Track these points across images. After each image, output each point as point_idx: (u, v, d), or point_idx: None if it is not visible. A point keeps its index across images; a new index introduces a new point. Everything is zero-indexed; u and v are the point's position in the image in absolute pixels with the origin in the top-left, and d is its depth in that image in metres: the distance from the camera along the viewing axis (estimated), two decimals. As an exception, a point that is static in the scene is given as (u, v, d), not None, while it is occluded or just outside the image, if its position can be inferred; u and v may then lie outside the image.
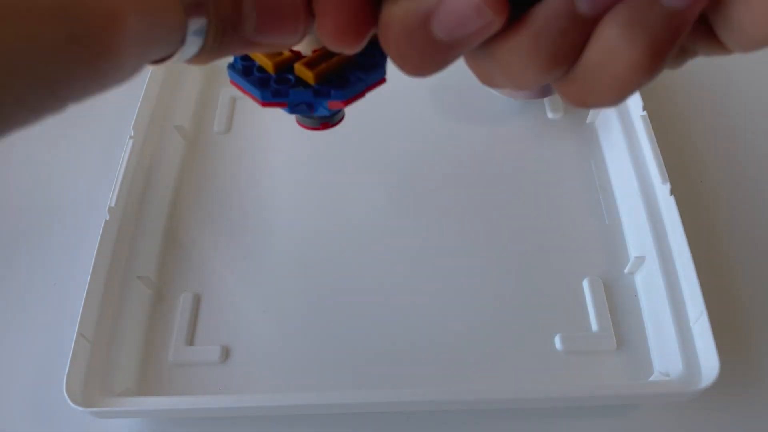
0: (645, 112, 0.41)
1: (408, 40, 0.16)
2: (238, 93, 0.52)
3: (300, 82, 0.23)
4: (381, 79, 0.25)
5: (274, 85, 0.24)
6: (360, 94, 0.25)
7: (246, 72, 0.24)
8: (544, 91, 0.44)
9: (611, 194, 0.42)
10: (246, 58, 0.24)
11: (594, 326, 0.37)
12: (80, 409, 0.32)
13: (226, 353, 0.37)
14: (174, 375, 0.36)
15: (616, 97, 0.16)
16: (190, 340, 0.38)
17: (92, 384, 0.34)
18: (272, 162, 0.46)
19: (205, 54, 0.17)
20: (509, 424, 0.34)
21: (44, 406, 0.36)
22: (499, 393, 0.33)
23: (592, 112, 0.46)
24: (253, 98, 0.24)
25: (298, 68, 0.23)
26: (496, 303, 0.38)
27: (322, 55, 0.22)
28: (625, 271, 0.39)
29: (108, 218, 0.38)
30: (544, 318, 0.37)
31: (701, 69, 0.50)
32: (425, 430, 0.34)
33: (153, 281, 0.39)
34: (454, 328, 0.37)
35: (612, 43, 0.15)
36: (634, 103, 0.42)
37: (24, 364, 0.38)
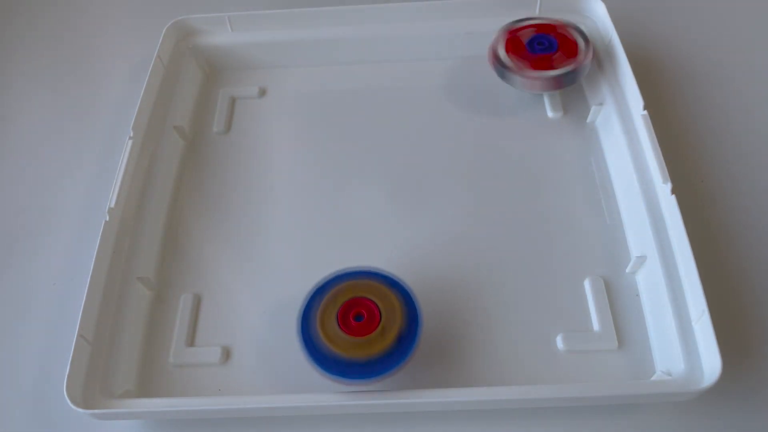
0: (645, 112, 0.41)
1: None
2: (238, 93, 0.53)
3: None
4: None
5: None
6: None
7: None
8: (557, 83, 0.44)
9: (612, 194, 0.42)
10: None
11: (595, 326, 0.37)
12: (80, 410, 0.32)
13: (226, 354, 0.37)
14: (174, 376, 0.36)
15: None
16: (191, 341, 0.38)
17: (92, 385, 0.34)
18: (272, 162, 0.46)
19: None
20: (510, 424, 0.34)
21: (44, 408, 0.36)
22: (499, 393, 0.33)
23: (592, 112, 0.45)
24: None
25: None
26: (496, 302, 0.38)
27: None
28: (627, 270, 0.39)
29: (108, 219, 0.38)
30: (545, 317, 0.37)
31: (701, 69, 0.50)
32: (425, 430, 0.34)
33: (153, 282, 0.39)
34: (455, 327, 0.37)
35: None
36: (635, 102, 0.42)
37: (24, 366, 0.38)
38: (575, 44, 0.45)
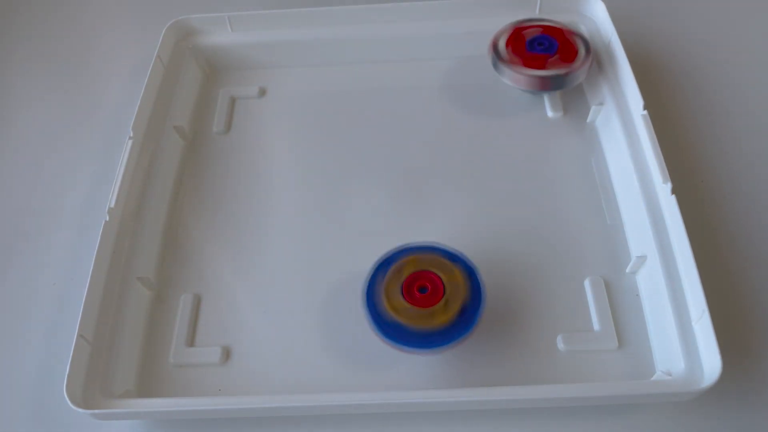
0: (645, 112, 0.41)
1: None
2: (238, 93, 0.53)
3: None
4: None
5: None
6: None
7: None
8: (543, 84, 0.45)
9: (612, 194, 0.42)
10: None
11: (596, 325, 0.37)
12: (80, 410, 0.32)
13: (226, 354, 0.37)
14: (174, 376, 0.36)
15: None
16: (191, 341, 0.38)
17: (92, 385, 0.34)
18: (272, 162, 0.46)
19: None
20: (510, 424, 0.34)
21: (44, 408, 0.36)
22: (500, 393, 0.33)
23: (592, 112, 0.45)
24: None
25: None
26: (497, 302, 0.38)
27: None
28: (627, 270, 0.39)
29: (108, 219, 0.38)
30: (545, 317, 0.37)
31: (701, 69, 0.50)
32: (425, 430, 0.34)
33: (153, 282, 0.39)
34: (455, 328, 0.37)
35: None
36: (635, 102, 0.42)
37: (24, 366, 0.38)
38: (575, 52, 0.45)
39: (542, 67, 0.44)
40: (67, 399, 0.32)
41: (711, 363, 0.32)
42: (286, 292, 0.39)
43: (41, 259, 0.42)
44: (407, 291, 0.34)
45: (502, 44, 0.46)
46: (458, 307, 0.34)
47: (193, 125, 0.48)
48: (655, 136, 0.40)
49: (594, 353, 0.36)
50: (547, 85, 0.45)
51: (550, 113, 0.47)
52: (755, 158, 0.44)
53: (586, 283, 0.38)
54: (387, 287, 0.35)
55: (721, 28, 0.53)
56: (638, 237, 0.39)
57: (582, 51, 0.45)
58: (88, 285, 0.36)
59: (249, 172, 0.45)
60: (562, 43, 0.45)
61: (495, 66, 0.46)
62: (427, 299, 0.34)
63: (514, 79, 0.45)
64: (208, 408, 0.33)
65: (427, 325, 0.33)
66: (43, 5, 0.60)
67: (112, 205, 0.39)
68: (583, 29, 0.48)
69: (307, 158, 0.46)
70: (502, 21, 0.47)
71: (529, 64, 0.44)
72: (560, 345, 0.36)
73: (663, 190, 0.38)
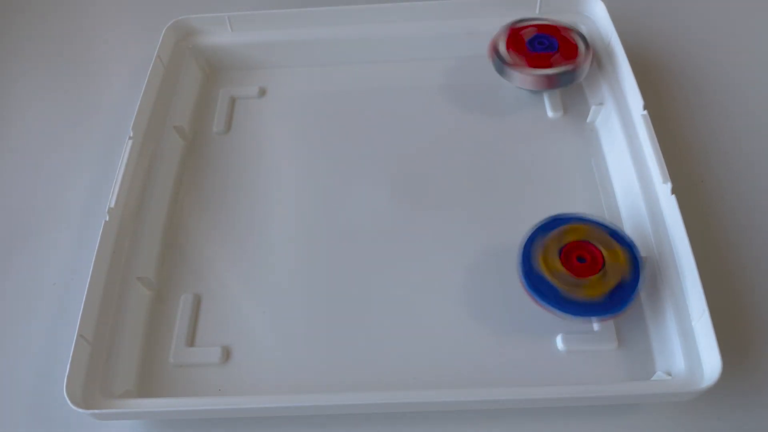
0: (645, 112, 0.41)
1: None
2: (238, 93, 0.53)
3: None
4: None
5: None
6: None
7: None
8: (553, 82, 0.45)
9: (612, 194, 0.42)
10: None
11: (595, 326, 0.37)
12: (80, 410, 0.32)
13: (226, 354, 0.37)
14: (174, 376, 0.36)
15: None
16: (191, 341, 0.38)
17: (92, 385, 0.34)
18: (272, 162, 0.46)
19: None
20: (510, 424, 0.34)
21: (44, 408, 0.36)
22: (499, 393, 0.33)
23: (592, 112, 0.45)
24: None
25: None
26: (497, 303, 0.38)
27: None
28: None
29: (108, 219, 0.38)
30: (545, 317, 0.37)
31: (701, 69, 0.50)
32: (425, 430, 0.34)
33: (153, 282, 0.39)
34: (455, 327, 0.37)
35: None
36: (635, 102, 0.42)
37: (24, 366, 0.38)
38: (575, 47, 0.45)
39: (548, 65, 0.44)
40: (67, 399, 0.32)
41: (711, 363, 0.32)
42: (286, 292, 0.39)
43: (41, 259, 0.42)
44: (565, 258, 0.35)
45: (502, 48, 0.46)
46: (615, 283, 0.34)
47: (193, 125, 0.48)
48: (655, 136, 0.40)
49: (594, 353, 0.36)
50: (556, 83, 0.45)
51: (550, 113, 0.47)
52: (755, 158, 0.44)
53: (586, 283, 0.38)
54: (545, 251, 0.35)
55: (721, 28, 0.53)
56: (638, 237, 0.39)
57: (582, 46, 0.45)
58: (88, 285, 0.36)
59: (249, 172, 0.45)
60: (561, 40, 0.45)
61: (500, 71, 0.46)
62: (585, 269, 0.35)
63: (522, 81, 0.45)
64: (208, 408, 0.33)
65: (581, 294, 0.34)
66: (43, 5, 0.60)
67: (112, 205, 0.39)
68: (583, 28, 0.48)
69: (307, 158, 0.46)
70: (502, 21, 0.47)
71: (534, 63, 0.44)
72: (560, 345, 0.36)
73: (663, 190, 0.38)
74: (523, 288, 0.35)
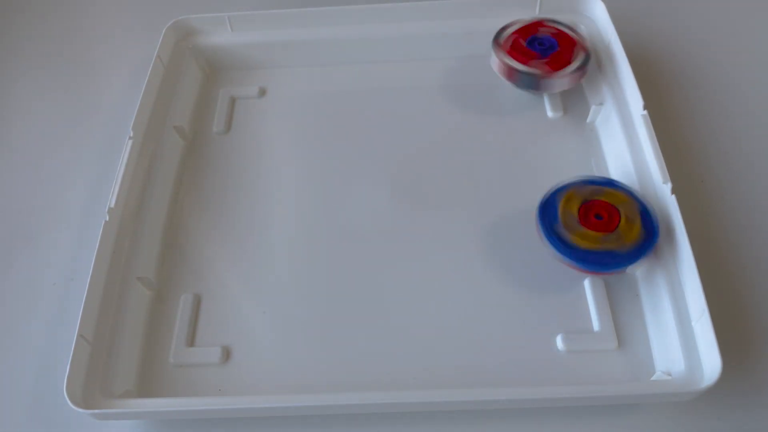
0: (645, 112, 0.41)
1: None
2: (238, 93, 0.53)
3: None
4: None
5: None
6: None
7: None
8: (523, 80, 0.45)
9: (612, 194, 0.42)
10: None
11: (595, 326, 0.37)
12: (80, 410, 0.32)
13: (226, 354, 0.37)
14: (174, 376, 0.36)
15: None
16: (191, 341, 0.38)
17: (92, 385, 0.34)
18: (272, 162, 0.46)
19: None
20: (509, 424, 0.34)
21: (44, 408, 0.36)
22: (499, 393, 0.33)
23: (592, 112, 0.45)
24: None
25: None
26: (497, 303, 0.38)
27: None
28: (627, 270, 0.38)
29: (108, 219, 0.38)
30: (545, 317, 0.37)
31: (701, 69, 0.50)
32: (425, 430, 0.34)
33: (153, 282, 0.39)
34: (455, 327, 0.37)
35: None
36: (635, 102, 0.42)
37: (24, 366, 0.38)
38: (567, 63, 0.44)
39: (524, 62, 0.44)
40: (67, 399, 0.32)
41: (711, 363, 0.32)
42: (286, 292, 0.39)
43: (41, 259, 0.42)
44: (583, 215, 0.37)
45: (509, 30, 0.46)
46: (613, 247, 0.36)
47: (193, 125, 0.48)
48: (655, 136, 0.40)
49: (594, 353, 0.36)
50: (516, 79, 0.45)
51: (550, 113, 0.47)
52: (755, 158, 0.44)
53: (586, 283, 0.38)
54: (564, 207, 0.37)
55: (721, 28, 0.53)
56: (638, 237, 0.39)
57: (574, 65, 0.44)
58: (88, 285, 0.36)
59: (249, 172, 0.45)
60: (561, 52, 0.45)
61: (536, 86, 0.45)
62: (601, 226, 0.36)
63: (492, 62, 0.46)
64: (208, 408, 0.33)
65: (597, 246, 0.36)
66: (43, 5, 0.60)
67: (112, 205, 0.39)
68: (583, 29, 0.48)
69: (307, 158, 0.46)
70: (502, 21, 0.47)
71: (514, 55, 0.45)
72: (560, 345, 0.36)
73: (663, 190, 0.38)
74: (541, 240, 0.37)
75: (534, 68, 0.44)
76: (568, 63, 0.44)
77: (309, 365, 0.36)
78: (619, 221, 0.36)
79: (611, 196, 0.38)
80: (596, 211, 0.37)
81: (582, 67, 0.45)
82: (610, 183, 0.39)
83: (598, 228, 0.36)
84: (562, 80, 0.44)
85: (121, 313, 0.37)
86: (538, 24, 0.46)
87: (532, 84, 0.45)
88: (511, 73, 0.45)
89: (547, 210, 0.37)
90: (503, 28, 0.47)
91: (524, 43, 0.45)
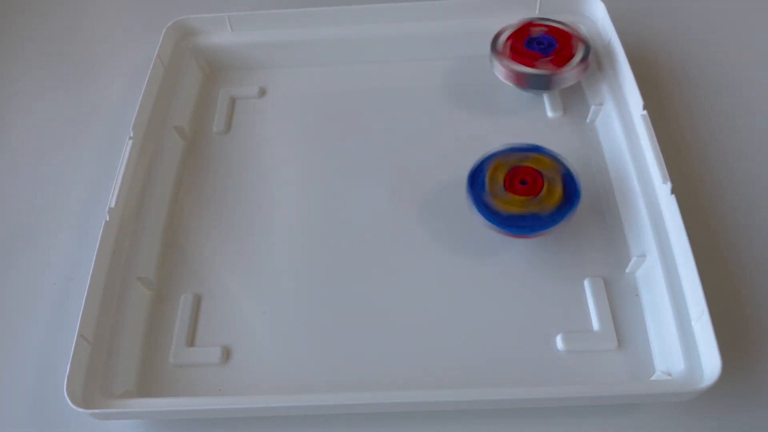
0: (645, 112, 0.41)
1: None
2: (238, 93, 0.53)
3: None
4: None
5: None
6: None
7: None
8: (522, 81, 0.45)
9: (612, 193, 0.42)
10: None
11: (595, 325, 0.37)
12: (81, 410, 0.32)
13: (226, 354, 0.37)
14: (174, 376, 0.36)
15: None
16: (191, 341, 0.38)
17: (92, 385, 0.34)
18: (272, 162, 0.46)
19: None
20: (509, 424, 0.34)
21: (44, 408, 0.36)
22: (499, 393, 0.33)
23: (592, 112, 0.46)
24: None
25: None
26: (496, 302, 0.38)
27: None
28: (627, 270, 0.39)
29: (108, 219, 0.38)
30: (545, 317, 0.37)
31: (701, 68, 0.50)
32: (425, 430, 0.34)
33: (153, 282, 0.39)
34: (455, 328, 0.37)
35: None
36: (635, 102, 0.42)
37: (24, 365, 0.38)
38: (570, 56, 0.44)
39: (530, 65, 0.44)
40: (67, 399, 0.32)
41: (711, 363, 0.32)
42: (286, 292, 0.39)
43: (42, 259, 0.42)
44: (509, 182, 0.38)
45: (504, 36, 0.46)
46: (553, 204, 0.37)
47: (193, 125, 0.48)
48: (654, 136, 0.40)
49: (593, 353, 0.36)
50: (527, 83, 0.45)
51: (550, 113, 0.47)
52: (755, 158, 0.44)
53: (586, 283, 0.38)
54: (491, 177, 0.38)
55: (721, 28, 0.53)
56: (638, 237, 0.39)
57: (577, 58, 0.45)
58: (88, 285, 0.36)
59: (249, 172, 0.45)
60: (561, 47, 0.45)
61: (547, 86, 0.45)
62: (526, 190, 0.38)
63: (498, 71, 0.46)
64: (208, 408, 0.33)
65: (521, 210, 0.37)
66: (43, 5, 0.60)
67: (113, 205, 0.39)
68: (583, 29, 0.48)
69: (307, 158, 0.46)
70: (502, 21, 0.47)
71: (518, 59, 0.45)
72: (560, 345, 0.36)
73: (662, 190, 0.38)
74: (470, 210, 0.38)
75: (542, 68, 0.44)
76: (571, 56, 0.45)
77: (309, 365, 0.36)
78: (542, 186, 0.37)
79: (537, 162, 0.39)
80: (521, 177, 0.38)
81: (585, 58, 0.45)
82: (536, 149, 0.39)
83: (523, 193, 0.37)
84: (571, 74, 0.44)
85: (121, 313, 0.37)
86: (529, 25, 0.46)
87: (542, 84, 0.45)
88: (519, 78, 0.45)
89: (476, 179, 0.38)
90: (497, 36, 0.47)
91: (523, 46, 0.45)
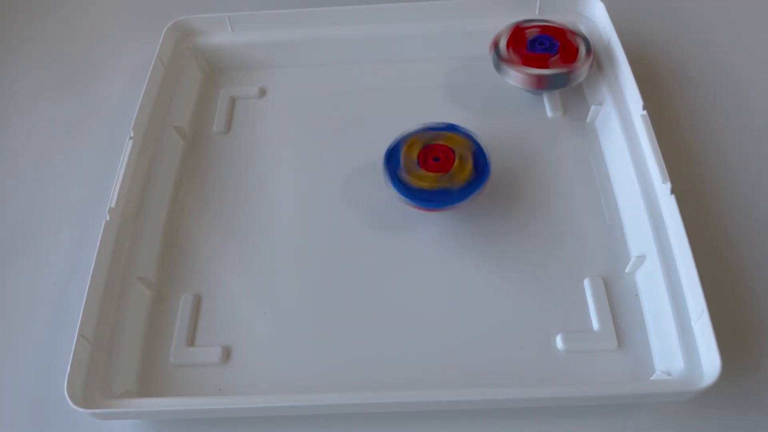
0: (645, 112, 0.41)
1: None
2: (238, 93, 0.53)
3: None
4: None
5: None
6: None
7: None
8: (543, 83, 0.45)
9: (611, 193, 0.42)
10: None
11: (595, 325, 0.37)
12: (81, 410, 0.32)
13: (226, 354, 0.37)
14: (175, 376, 0.36)
15: None
16: (191, 341, 0.38)
17: (93, 385, 0.34)
18: (272, 162, 0.46)
19: None
20: (509, 424, 0.34)
21: (45, 408, 0.36)
22: (499, 393, 0.33)
23: (592, 112, 0.46)
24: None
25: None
26: (496, 302, 0.38)
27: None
28: (626, 270, 0.39)
29: (108, 219, 0.38)
30: (544, 317, 0.37)
31: (701, 68, 0.50)
32: (425, 430, 0.34)
33: (153, 282, 0.39)
34: (455, 327, 0.37)
35: None
36: (634, 102, 0.42)
37: (24, 365, 0.38)
38: (576, 50, 0.45)
39: (545, 66, 0.44)
40: (67, 398, 0.32)
41: (710, 363, 0.32)
42: (286, 292, 0.39)
43: (42, 259, 0.42)
44: (423, 159, 0.40)
45: (502, 45, 0.46)
46: (464, 178, 0.39)
47: (193, 125, 0.48)
48: (654, 136, 0.40)
49: (593, 353, 0.36)
50: (548, 84, 0.45)
51: (549, 113, 0.47)
52: (755, 158, 0.44)
53: (586, 283, 0.38)
54: (406, 155, 0.40)
55: (721, 28, 0.53)
56: (637, 237, 0.39)
57: (583, 50, 0.45)
58: (88, 285, 0.36)
59: (249, 172, 0.45)
60: (563, 43, 0.45)
61: (497, 67, 0.46)
62: (439, 167, 0.39)
63: (515, 78, 0.45)
64: (208, 408, 0.33)
65: (434, 185, 0.39)
66: (43, 5, 0.60)
67: (113, 205, 0.39)
68: (583, 29, 0.48)
69: (307, 158, 0.46)
70: (502, 21, 0.47)
71: (530, 63, 0.44)
72: (559, 345, 0.36)
73: (662, 189, 0.38)
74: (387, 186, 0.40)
75: (556, 67, 0.44)
76: (577, 50, 0.45)
77: (309, 365, 0.36)
78: (454, 162, 0.39)
79: (450, 140, 0.40)
80: (434, 153, 0.40)
81: (589, 50, 0.45)
82: (451, 127, 0.41)
83: (435, 169, 0.39)
84: (585, 67, 0.45)
85: (122, 312, 0.37)
86: (519, 28, 0.46)
87: (562, 82, 0.45)
88: (540, 82, 0.45)
89: (392, 157, 0.40)
90: (495, 44, 0.46)
91: (532, 35, 0.45)
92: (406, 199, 0.39)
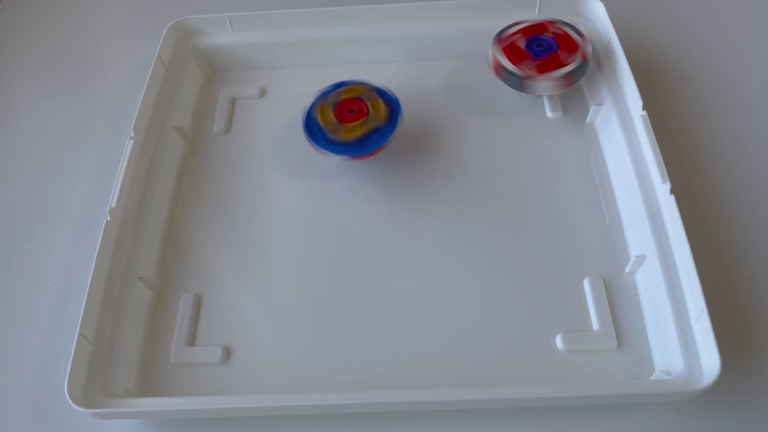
0: (644, 112, 0.41)
1: None
2: (238, 93, 0.53)
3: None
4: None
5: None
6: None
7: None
8: (570, 80, 0.45)
9: (611, 193, 0.42)
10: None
11: (595, 325, 0.37)
12: (81, 410, 0.32)
13: (227, 354, 0.37)
14: (175, 376, 0.36)
15: None
16: (191, 341, 0.38)
17: (93, 385, 0.34)
18: (272, 162, 0.46)
19: None
20: (509, 424, 0.34)
21: (45, 407, 0.36)
22: (498, 393, 0.33)
23: (591, 112, 0.46)
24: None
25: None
26: (496, 302, 0.38)
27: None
28: (626, 270, 0.39)
29: (108, 219, 0.38)
30: (544, 317, 0.37)
31: (701, 69, 0.50)
32: (425, 430, 0.34)
33: (153, 282, 0.39)
34: (455, 327, 0.37)
35: None
36: (634, 102, 0.43)
37: (25, 365, 0.38)
38: (570, 37, 0.45)
39: (562, 64, 0.44)
40: (68, 398, 0.32)
41: (710, 362, 0.32)
42: (286, 292, 0.39)
43: (42, 259, 0.42)
44: (339, 112, 0.43)
45: (509, 65, 0.45)
46: (373, 126, 0.42)
47: (194, 125, 0.48)
48: (654, 137, 0.40)
49: (593, 353, 0.36)
50: (575, 78, 0.44)
51: (549, 113, 0.47)
52: (755, 158, 0.44)
53: (586, 283, 0.38)
54: (322, 110, 0.43)
55: (721, 28, 0.53)
56: (637, 237, 0.39)
57: (574, 33, 0.45)
58: (89, 285, 0.36)
59: (249, 172, 0.45)
60: (554, 57, 0.44)
61: (519, 87, 0.45)
62: (353, 117, 0.43)
63: (547, 89, 0.45)
64: (209, 408, 0.33)
65: (350, 136, 0.42)
66: (44, 6, 0.60)
67: (113, 205, 0.39)
68: (582, 28, 0.48)
69: (306, 158, 0.46)
70: (502, 21, 0.47)
71: (548, 68, 0.44)
72: (559, 344, 0.36)
73: (662, 189, 0.38)
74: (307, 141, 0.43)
75: (521, 69, 0.44)
76: (559, 68, 0.44)
77: (309, 365, 0.36)
78: (367, 106, 0.43)
79: (351, 92, 0.44)
80: (347, 107, 0.43)
81: (570, 75, 0.44)
82: (342, 84, 0.45)
83: (356, 118, 0.42)
84: (545, 84, 0.44)
85: (122, 312, 0.37)
86: (547, 24, 0.46)
87: (515, 84, 0.45)
88: (499, 71, 0.45)
89: (312, 128, 0.43)
90: (510, 25, 0.46)
91: (523, 43, 0.45)
92: (352, 155, 0.42)
